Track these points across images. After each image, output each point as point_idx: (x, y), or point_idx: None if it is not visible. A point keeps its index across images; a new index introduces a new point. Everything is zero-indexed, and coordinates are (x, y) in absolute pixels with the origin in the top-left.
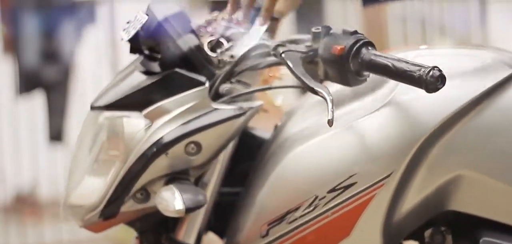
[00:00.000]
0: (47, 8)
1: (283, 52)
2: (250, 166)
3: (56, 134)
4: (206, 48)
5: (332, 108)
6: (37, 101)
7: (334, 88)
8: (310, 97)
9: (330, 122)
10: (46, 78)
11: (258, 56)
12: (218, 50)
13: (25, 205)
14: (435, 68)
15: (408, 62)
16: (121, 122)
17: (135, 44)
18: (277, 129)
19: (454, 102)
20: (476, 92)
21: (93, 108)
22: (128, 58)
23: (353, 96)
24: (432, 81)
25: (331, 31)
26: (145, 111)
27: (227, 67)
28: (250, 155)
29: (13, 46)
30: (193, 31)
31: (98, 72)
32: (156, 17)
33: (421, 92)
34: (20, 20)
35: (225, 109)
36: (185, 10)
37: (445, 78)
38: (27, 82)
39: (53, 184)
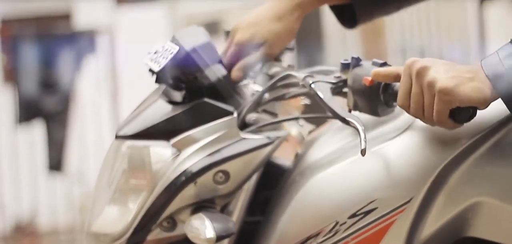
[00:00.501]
0: (47, 37)
1: (312, 83)
2: (271, 195)
3: (55, 164)
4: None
5: (365, 138)
6: (37, 130)
7: (360, 115)
8: (329, 126)
9: (363, 152)
10: (45, 108)
11: (284, 86)
12: (245, 81)
13: (24, 234)
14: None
15: None
16: (147, 151)
17: (162, 74)
18: (298, 157)
19: (473, 129)
20: (494, 120)
21: (117, 137)
22: (128, 88)
23: (374, 123)
24: (466, 117)
25: (361, 62)
26: (173, 141)
27: (254, 97)
28: (271, 184)
29: (13, 75)
30: (220, 61)
31: (97, 102)
32: (184, 47)
33: None
34: (20, 50)
35: (253, 139)
36: (211, 40)
37: (476, 110)
38: (27, 112)
39: (52, 214)
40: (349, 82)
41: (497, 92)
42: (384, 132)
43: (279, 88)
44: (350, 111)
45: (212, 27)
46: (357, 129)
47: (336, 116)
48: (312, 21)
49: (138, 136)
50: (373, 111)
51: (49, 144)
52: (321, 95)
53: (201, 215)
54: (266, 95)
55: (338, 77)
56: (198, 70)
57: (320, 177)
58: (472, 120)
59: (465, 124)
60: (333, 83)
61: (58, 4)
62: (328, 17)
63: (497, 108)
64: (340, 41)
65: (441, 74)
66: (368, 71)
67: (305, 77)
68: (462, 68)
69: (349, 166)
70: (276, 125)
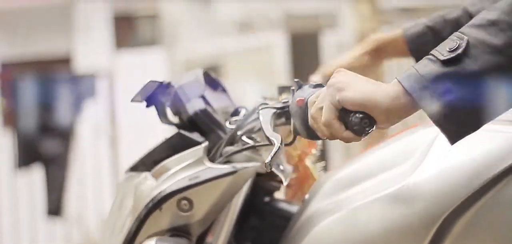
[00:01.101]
0: (47, 81)
1: (261, 109)
2: (278, 239)
3: (54, 208)
4: (215, 113)
5: (274, 153)
6: (36, 174)
7: (366, 160)
8: (335, 172)
9: (267, 166)
10: (45, 152)
11: (256, 120)
12: (232, 118)
13: None
14: (366, 116)
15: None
16: (133, 181)
17: (158, 110)
18: (305, 203)
19: (477, 178)
20: (498, 169)
21: (126, 171)
22: (127, 132)
23: (382, 167)
24: (356, 122)
25: (303, 86)
26: (153, 171)
27: (230, 131)
28: (276, 228)
29: (13, 119)
30: (202, 97)
31: (97, 146)
32: (174, 85)
33: (446, 166)
34: (20, 93)
35: (217, 168)
36: (199, 78)
37: (373, 126)
38: (26, 156)
39: None
40: (290, 104)
41: (414, 98)
42: (390, 177)
43: (252, 121)
44: (294, 135)
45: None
46: (273, 145)
47: (264, 134)
48: (310, 47)
49: (132, 168)
50: (308, 134)
51: (49, 188)
52: (261, 118)
53: (153, 239)
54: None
55: (286, 101)
56: (181, 104)
57: (324, 224)
58: (472, 171)
59: (469, 174)
60: (278, 108)
61: (58, 48)
62: (326, 44)
63: (500, 160)
64: (337, 56)
65: (340, 78)
66: (306, 93)
67: (261, 104)
68: (372, 84)
69: (352, 213)
70: (256, 155)
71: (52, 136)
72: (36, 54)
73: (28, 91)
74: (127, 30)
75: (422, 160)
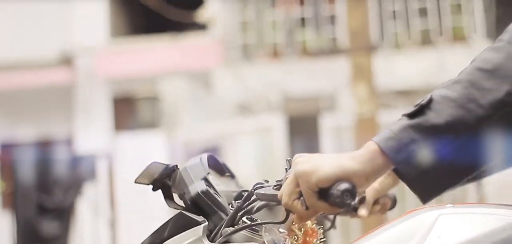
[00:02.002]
0: (47, 161)
1: (255, 189)
2: None
3: None
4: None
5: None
6: None
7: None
8: None
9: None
10: (44, 233)
11: (255, 201)
12: (235, 201)
13: None
14: (345, 182)
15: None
16: None
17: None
18: None
19: None
20: None
21: None
22: (125, 213)
23: None
24: (338, 195)
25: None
26: None
27: (231, 213)
28: None
29: (12, 200)
30: (205, 179)
31: (96, 227)
32: (179, 167)
33: None
34: (20, 175)
35: None
36: (203, 161)
37: (354, 193)
38: (25, 238)
39: None
40: (282, 184)
41: (388, 157)
42: None
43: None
44: (287, 213)
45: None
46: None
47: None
48: (309, 129)
49: None
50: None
51: None
52: (258, 195)
53: None
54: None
55: (280, 181)
56: (184, 186)
57: None
58: None
59: None
60: (274, 187)
61: (58, 129)
62: (325, 126)
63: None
64: (335, 138)
65: (307, 163)
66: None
67: (256, 184)
68: (339, 154)
69: None
70: (256, 235)
71: (52, 216)
72: (36, 135)
73: (28, 172)
74: (127, 112)
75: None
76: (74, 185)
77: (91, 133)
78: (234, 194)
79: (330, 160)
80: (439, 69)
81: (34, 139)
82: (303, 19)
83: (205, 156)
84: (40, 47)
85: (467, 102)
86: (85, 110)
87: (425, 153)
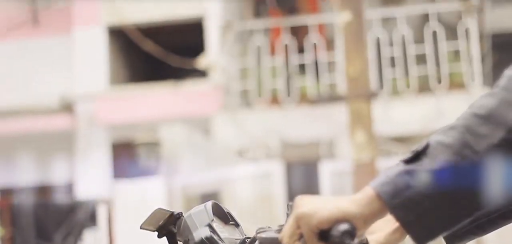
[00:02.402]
0: (46, 207)
1: (258, 233)
2: None
3: None
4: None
5: None
6: None
7: None
8: None
9: None
10: None
11: None
12: None
13: None
14: (345, 224)
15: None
16: None
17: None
18: None
19: None
20: None
21: None
22: None
23: None
24: (338, 235)
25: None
26: None
27: None
28: None
29: None
30: (209, 225)
31: None
32: (183, 214)
33: None
34: (20, 220)
35: None
36: (208, 209)
37: (353, 234)
38: None
39: None
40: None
41: (384, 201)
42: None
43: None
44: None
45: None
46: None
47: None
48: (308, 175)
49: None
50: None
51: None
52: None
53: None
54: None
55: (282, 225)
56: (188, 232)
57: None
58: None
59: None
60: (275, 231)
61: (58, 174)
62: (324, 172)
63: None
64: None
65: (308, 205)
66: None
67: (259, 228)
68: (339, 197)
69: None
70: None
71: None
72: (36, 180)
73: (27, 218)
74: (127, 158)
75: None
76: (74, 231)
77: (91, 179)
78: (238, 241)
79: (330, 202)
80: (438, 115)
81: (34, 185)
82: (302, 66)
83: (209, 204)
84: (41, 93)
85: (462, 148)
86: (85, 156)
87: (420, 198)
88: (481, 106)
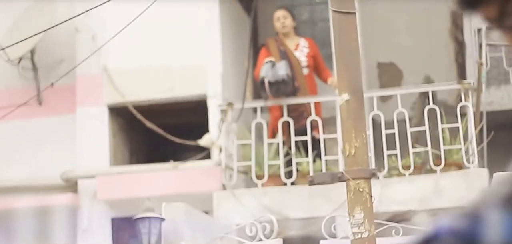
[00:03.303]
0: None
1: None
2: None
3: None
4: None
5: None
6: None
7: None
8: None
9: None
10: None
11: None
12: None
13: None
14: None
15: None
16: None
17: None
18: None
19: None
20: None
21: None
22: None
23: None
24: None
25: None
26: None
27: None
28: None
29: None
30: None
31: None
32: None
33: None
34: None
35: None
36: None
37: None
38: None
39: None
40: None
41: None
42: None
43: None
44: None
45: None
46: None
47: None
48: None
49: None
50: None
51: None
52: None
53: None
54: None
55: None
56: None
57: None
58: None
59: None
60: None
61: None
62: (324, 241)
63: None
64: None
65: None
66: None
67: None
68: None
69: None
70: None
71: None
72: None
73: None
74: (127, 232)
75: None
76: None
77: None
78: None
79: None
80: (436, 194)
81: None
82: (303, 144)
83: None
84: (43, 171)
85: None
86: (87, 231)
87: None
88: None
